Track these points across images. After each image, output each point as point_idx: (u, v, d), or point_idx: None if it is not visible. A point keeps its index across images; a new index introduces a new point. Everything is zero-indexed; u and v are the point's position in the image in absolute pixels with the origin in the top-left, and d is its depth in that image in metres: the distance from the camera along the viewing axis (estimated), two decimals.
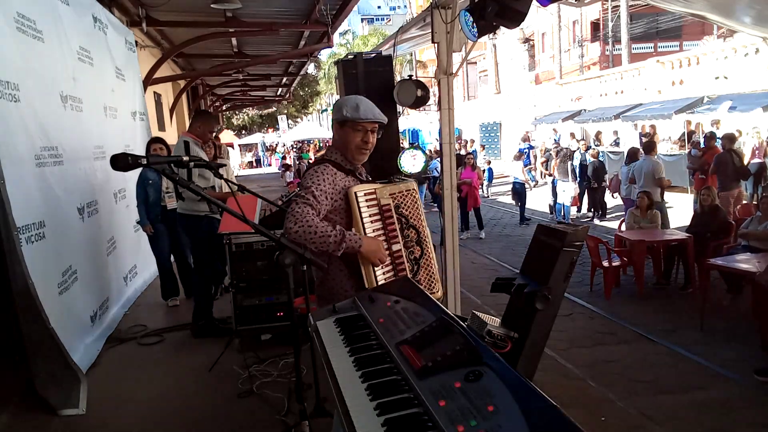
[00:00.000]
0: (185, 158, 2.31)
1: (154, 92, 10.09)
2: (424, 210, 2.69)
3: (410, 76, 4.79)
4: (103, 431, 3.50)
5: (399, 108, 4.78)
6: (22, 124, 3.71)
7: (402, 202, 2.50)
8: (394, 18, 51.92)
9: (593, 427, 3.37)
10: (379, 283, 2.30)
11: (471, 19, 3.63)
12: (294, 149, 31.08)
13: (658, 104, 15.47)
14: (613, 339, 4.99)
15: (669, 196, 7.96)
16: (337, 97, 5.94)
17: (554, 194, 11.50)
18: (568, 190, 10.78)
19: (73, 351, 3.83)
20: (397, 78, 4.83)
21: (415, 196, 2.58)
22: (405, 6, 43.72)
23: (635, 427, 3.46)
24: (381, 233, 2.40)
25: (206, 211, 4.71)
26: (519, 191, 11.60)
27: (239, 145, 35.36)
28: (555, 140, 16.72)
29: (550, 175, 11.69)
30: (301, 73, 16.13)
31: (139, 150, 6.67)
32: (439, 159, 5.10)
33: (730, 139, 8.80)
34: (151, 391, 3.98)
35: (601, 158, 11.91)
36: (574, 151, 11.79)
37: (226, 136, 28.73)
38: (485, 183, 15.50)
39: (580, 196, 11.40)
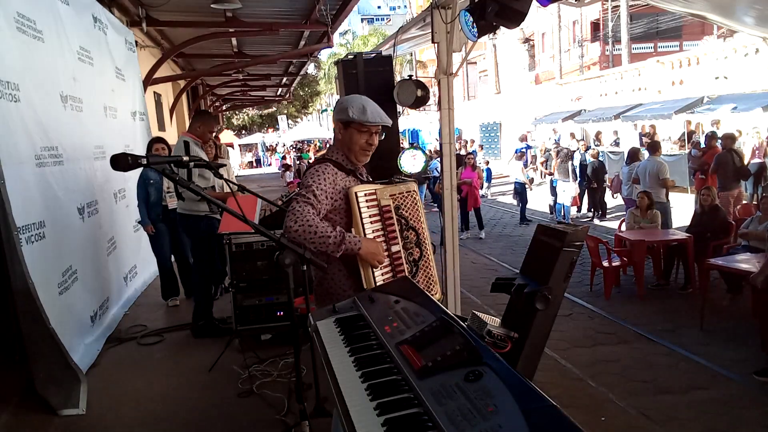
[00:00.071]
0: (185, 158, 2.31)
1: (154, 92, 10.09)
2: (424, 211, 2.68)
3: (410, 76, 4.79)
4: (103, 431, 3.50)
5: (399, 108, 4.78)
6: (22, 124, 3.71)
7: (402, 203, 2.50)
8: (394, 18, 51.91)
9: (593, 427, 3.37)
10: (378, 285, 2.30)
11: (471, 19, 3.63)
12: (294, 149, 31.07)
13: (658, 104, 15.47)
14: (613, 339, 4.99)
15: (670, 196, 7.93)
16: (337, 97, 5.94)
17: (554, 194, 11.51)
18: (568, 190, 10.78)
19: (73, 351, 3.83)
20: (397, 78, 4.83)
21: (415, 198, 2.58)
22: (405, 6, 43.72)
23: (635, 427, 3.46)
24: (380, 234, 2.40)
25: (206, 211, 4.72)
26: (519, 191, 11.61)
27: (239, 145, 35.36)
28: (555, 141, 16.72)
29: (550, 174, 11.69)
30: (301, 73, 16.13)
31: (139, 150, 6.67)
32: (439, 159, 5.10)
33: (730, 138, 8.79)
34: (151, 391, 3.99)
35: (601, 158, 11.92)
36: (574, 151, 11.79)
37: (226, 136, 28.75)
38: (484, 183, 15.50)
39: (580, 196, 11.40)
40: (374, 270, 2.32)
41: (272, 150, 37.23)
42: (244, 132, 42.14)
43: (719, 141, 9.28)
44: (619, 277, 6.58)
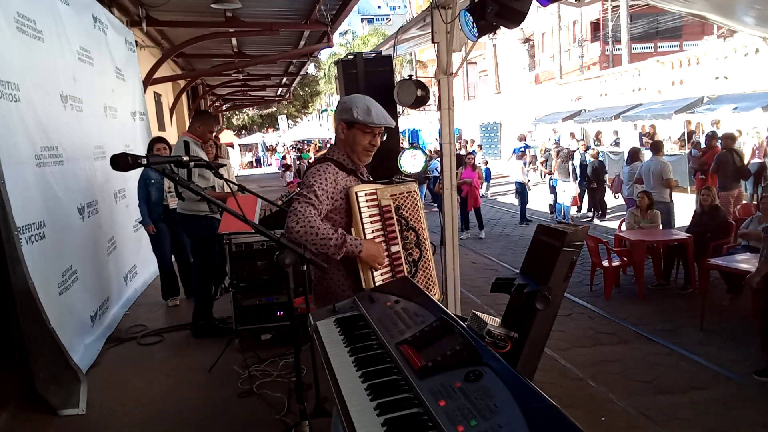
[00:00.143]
0: (185, 158, 2.31)
1: (154, 92, 10.09)
2: (424, 211, 2.68)
3: (410, 76, 4.79)
4: (103, 431, 3.50)
5: (399, 108, 4.78)
6: (22, 124, 3.71)
7: (402, 204, 2.49)
8: (394, 18, 51.92)
9: (593, 427, 3.37)
10: (377, 285, 2.29)
11: (471, 19, 3.63)
12: (294, 149, 31.07)
13: (658, 104, 15.47)
14: (613, 339, 4.99)
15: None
16: (337, 97, 5.93)
17: (554, 194, 11.51)
18: (568, 190, 10.78)
19: (73, 351, 3.83)
20: (397, 78, 4.83)
21: (415, 198, 2.58)
22: (405, 6, 43.72)
23: (635, 427, 3.46)
24: (380, 234, 2.39)
25: (206, 211, 4.72)
26: (520, 191, 11.63)
27: (239, 145, 35.36)
28: (555, 141, 16.73)
29: (550, 174, 11.69)
30: (301, 73, 16.13)
31: (139, 150, 6.67)
32: (439, 159, 5.10)
33: (730, 138, 8.79)
34: (151, 391, 3.99)
35: (601, 158, 11.92)
36: (574, 151, 11.79)
37: (226, 136, 28.76)
38: (483, 183, 15.51)
39: (580, 196, 11.40)
40: (373, 271, 2.32)
41: (272, 150, 37.22)
42: (244, 132, 42.14)
43: (719, 141, 9.28)
44: (619, 277, 6.58)
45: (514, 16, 3.32)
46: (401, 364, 1.41)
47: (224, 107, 25.40)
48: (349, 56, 4.68)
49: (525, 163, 12.72)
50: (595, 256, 6.36)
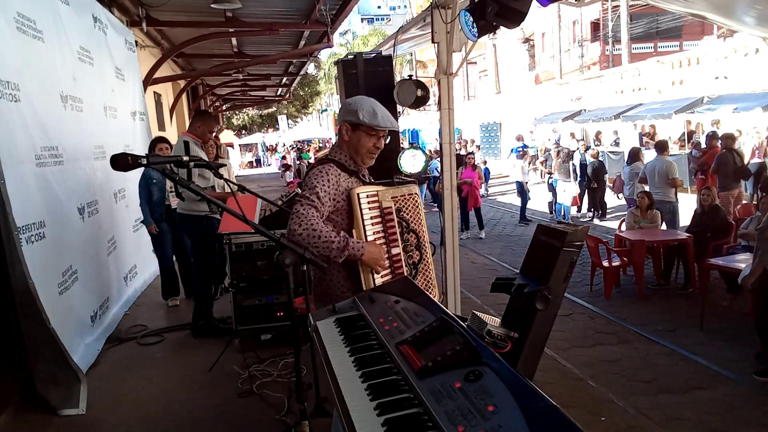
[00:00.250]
0: (185, 158, 2.31)
1: (154, 92, 10.09)
2: (424, 211, 2.68)
3: (410, 76, 4.79)
4: (103, 431, 3.51)
5: (399, 108, 4.78)
6: (22, 124, 3.71)
7: (403, 206, 2.49)
8: (394, 18, 51.92)
9: (593, 427, 3.37)
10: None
11: (471, 19, 3.63)
12: (294, 149, 31.08)
13: (658, 104, 15.47)
14: (613, 339, 4.99)
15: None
16: (337, 97, 5.93)
17: (553, 194, 11.52)
18: (568, 190, 10.78)
19: (73, 351, 3.83)
20: (397, 78, 4.83)
21: (416, 200, 2.57)
22: (405, 6, 43.72)
23: (635, 427, 3.46)
24: (381, 236, 2.40)
25: (206, 211, 4.72)
26: (521, 191, 11.65)
27: (239, 145, 35.36)
28: (556, 141, 16.72)
29: (550, 174, 11.69)
30: (301, 73, 16.14)
31: (139, 150, 6.67)
32: (439, 159, 5.10)
33: (730, 138, 8.79)
34: (151, 391, 3.99)
35: (601, 158, 11.92)
36: (574, 151, 11.79)
37: (226, 136, 28.75)
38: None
39: (580, 196, 11.41)
40: (374, 274, 2.32)
41: (272, 150, 37.21)
42: (244, 132, 42.14)
43: (719, 141, 9.28)
44: (619, 277, 6.58)
45: (514, 16, 3.32)
46: (401, 364, 1.41)
47: (224, 107, 25.40)
48: (349, 56, 4.68)
49: (527, 163, 12.71)
50: (595, 256, 6.36)
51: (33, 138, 3.86)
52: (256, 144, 38.92)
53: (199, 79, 15.42)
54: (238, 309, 4.48)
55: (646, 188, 7.76)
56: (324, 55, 32.55)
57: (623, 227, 7.29)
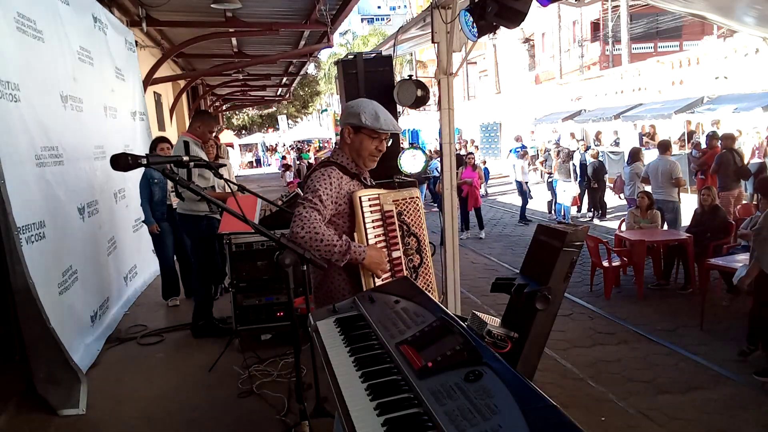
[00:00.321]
0: (185, 158, 2.31)
1: (154, 92, 10.09)
2: (424, 211, 2.68)
3: (410, 76, 4.79)
4: (103, 431, 3.51)
5: (399, 108, 4.78)
6: (22, 124, 3.71)
7: (404, 209, 2.49)
8: (394, 18, 51.92)
9: (593, 427, 3.37)
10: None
11: (471, 19, 3.63)
12: (294, 149, 31.09)
13: (658, 104, 15.47)
14: (613, 339, 4.99)
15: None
16: (337, 97, 5.92)
17: (553, 194, 11.52)
18: (568, 190, 10.79)
19: (73, 351, 3.83)
20: (397, 78, 4.83)
21: (417, 204, 2.57)
22: (405, 6, 43.72)
23: (635, 427, 3.46)
24: (382, 239, 2.40)
25: (206, 211, 4.72)
26: (520, 191, 11.66)
27: (239, 145, 35.36)
28: (556, 141, 16.73)
29: (550, 174, 11.70)
30: (301, 73, 16.14)
31: (139, 150, 6.67)
32: (439, 159, 5.10)
33: (730, 138, 8.79)
34: (151, 391, 3.99)
35: (600, 158, 11.92)
36: (574, 151, 11.80)
37: (226, 136, 28.74)
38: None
39: (580, 196, 11.41)
40: (375, 278, 2.32)
41: (272, 150, 37.22)
42: (244, 132, 42.14)
43: (719, 141, 9.28)
44: (619, 277, 6.58)
45: (514, 16, 3.32)
46: (401, 364, 1.41)
47: (224, 107, 25.41)
48: (349, 56, 4.69)
49: (528, 163, 12.73)
50: (595, 256, 6.36)
51: (33, 138, 3.86)
52: (256, 144, 38.92)
53: (199, 79, 15.42)
54: (238, 309, 4.48)
55: (647, 188, 7.75)
56: (324, 55, 32.60)
57: (623, 227, 7.29)
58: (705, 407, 3.70)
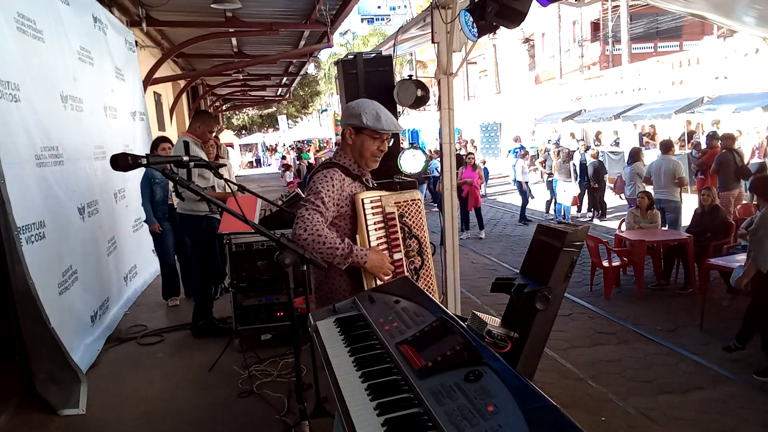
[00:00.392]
0: (185, 158, 2.31)
1: (154, 92, 10.09)
2: (425, 211, 2.68)
3: (410, 76, 4.79)
4: (103, 431, 3.51)
5: (399, 108, 4.78)
6: (23, 124, 3.71)
7: (406, 211, 2.50)
8: (394, 18, 51.92)
9: (593, 427, 3.37)
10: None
11: (471, 19, 3.63)
12: (294, 149, 31.08)
13: (658, 104, 15.46)
14: (613, 339, 4.99)
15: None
16: (337, 97, 5.92)
17: (552, 193, 11.52)
18: (568, 190, 10.79)
19: (73, 351, 3.83)
20: (397, 78, 4.83)
21: (419, 206, 2.57)
22: (405, 6, 43.71)
23: (635, 427, 3.46)
24: (384, 241, 2.40)
25: (206, 211, 4.72)
26: (521, 190, 11.67)
27: (239, 145, 35.36)
28: (555, 141, 16.72)
29: (550, 174, 11.70)
30: (301, 73, 16.14)
31: (139, 150, 6.67)
32: (439, 159, 5.10)
33: (730, 138, 8.79)
34: (151, 391, 3.99)
35: (600, 158, 11.92)
36: (574, 151, 11.80)
37: (226, 136, 28.74)
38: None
39: (580, 196, 11.41)
40: (377, 281, 2.32)
41: (272, 150, 37.22)
42: (244, 132, 42.14)
43: (719, 141, 9.28)
44: (619, 277, 6.58)
45: (514, 16, 3.32)
46: (401, 364, 1.41)
47: (224, 107, 25.41)
48: (349, 56, 4.68)
49: (528, 163, 12.74)
50: (595, 256, 6.36)
51: (33, 138, 3.86)
52: (256, 144, 38.92)
53: (199, 79, 15.42)
54: (238, 309, 4.48)
55: (649, 188, 7.75)
56: (324, 55, 32.60)
57: (623, 227, 7.29)
58: (705, 407, 3.70)
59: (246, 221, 2.23)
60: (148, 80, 8.43)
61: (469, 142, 20.82)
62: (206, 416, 3.55)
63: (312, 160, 20.34)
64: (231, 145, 27.20)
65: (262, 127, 41.59)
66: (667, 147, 8.00)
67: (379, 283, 2.32)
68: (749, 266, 4.26)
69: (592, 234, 7.17)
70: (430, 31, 4.42)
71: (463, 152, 14.05)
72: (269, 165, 35.31)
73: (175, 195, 4.88)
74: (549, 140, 18.14)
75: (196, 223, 4.74)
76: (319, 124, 39.76)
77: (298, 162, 20.87)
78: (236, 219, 2.25)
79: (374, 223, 2.36)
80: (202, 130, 4.83)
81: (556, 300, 2.12)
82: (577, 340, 4.96)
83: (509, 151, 14.67)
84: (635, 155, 9.26)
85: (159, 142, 5.61)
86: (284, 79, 17.17)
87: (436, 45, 4.43)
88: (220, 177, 3.04)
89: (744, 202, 8.69)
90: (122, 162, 2.00)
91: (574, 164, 10.99)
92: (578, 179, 11.00)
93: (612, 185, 12.21)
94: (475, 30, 3.64)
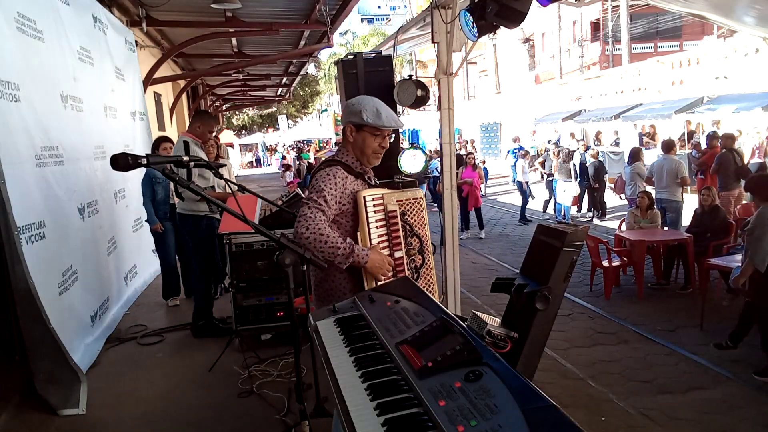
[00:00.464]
0: (185, 158, 2.31)
1: (154, 92, 10.09)
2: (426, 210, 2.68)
3: (410, 76, 4.79)
4: (103, 431, 3.50)
5: (399, 108, 4.78)
6: (23, 124, 3.71)
7: (408, 210, 2.50)
8: (394, 18, 51.93)
9: (593, 427, 3.37)
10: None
11: (471, 19, 3.63)
12: (294, 149, 31.08)
13: (658, 104, 15.46)
14: (613, 339, 4.99)
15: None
16: (338, 97, 5.92)
17: (552, 194, 11.52)
18: (568, 190, 10.78)
19: (73, 351, 3.83)
20: (397, 78, 4.83)
21: (421, 205, 2.57)
22: (405, 6, 43.71)
23: (635, 427, 3.46)
24: (385, 239, 2.40)
25: (206, 211, 4.72)
26: (521, 190, 11.67)
27: (239, 145, 35.36)
28: (555, 142, 16.72)
29: (550, 175, 11.70)
30: (301, 73, 16.14)
31: (139, 150, 6.67)
32: (439, 159, 5.10)
33: (730, 138, 8.79)
34: (151, 391, 3.99)
35: (600, 158, 11.93)
36: (574, 151, 11.80)
37: (226, 136, 28.75)
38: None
39: (580, 196, 11.41)
40: (377, 281, 2.32)
41: (272, 150, 37.22)
42: (244, 132, 42.14)
43: (720, 141, 9.27)
44: (619, 277, 6.58)
45: (514, 16, 3.32)
46: (401, 364, 1.41)
47: (224, 107, 25.40)
48: (349, 56, 4.68)
49: (529, 163, 12.74)
50: (595, 256, 6.36)
51: (33, 138, 3.86)
52: (256, 144, 38.92)
53: (199, 79, 15.42)
54: (238, 309, 4.48)
55: (650, 188, 7.74)
56: (324, 55, 32.61)
57: (623, 227, 7.29)
58: (705, 407, 3.70)
59: (246, 221, 2.23)
60: (148, 80, 8.43)
61: (469, 142, 20.79)
62: (206, 416, 3.55)
63: (312, 160, 20.34)
64: (231, 145, 27.21)
65: (262, 127, 41.59)
66: (669, 146, 7.99)
67: (379, 282, 2.33)
68: (746, 265, 4.26)
69: (592, 234, 7.17)
70: (430, 31, 4.42)
71: (463, 152, 14.05)
72: (269, 165, 35.31)
73: (175, 195, 4.88)
74: (549, 141, 18.14)
75: (196, 223, 4.74)
76: (319, 124, 39.77)
77: (298, 162, 20.88)
78: (236, 219, 2.25)
79: (376, 221, 2.36)
80: (202, 130, 4.83)
81: (556, 300, 2.12)
82: (577, 340, 4.96)
83: (508, 152, 14.66)
84: (635, 155, 9.26)
85: (160, 141, 5.61)
86: (284, 79, 17.17)
87: (436, 45, 4.43)
88: (220, 177, 3.04)
89: (744, 202, 8.68)
90: (122, 162, 2.00)
91: (574, 164, 10.98)
92: (578, 179, 10.99)
93: (612, 185, 12.21)
94: (475, 30, 3.64)
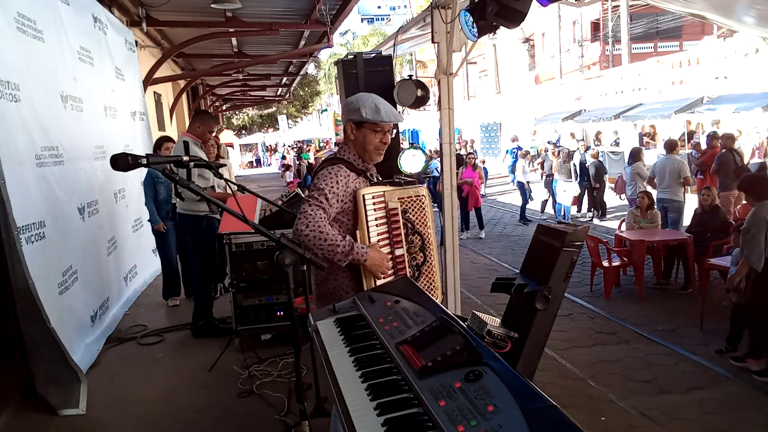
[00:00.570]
0: (185, 158, 2.31)
1: (154, 92, 10.09)
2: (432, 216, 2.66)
3: (410, 76, 4.79)
4: (103, 431, 3.50)
5: (399, 108, 4.78)
6: (23, 124, 3.71)
7: (410, 207, 2.48)
8: (394, 18, 51.95)
9: (593, 427, 3.37)
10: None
11: (471, 19, 3.63)
12: (294, 149, 31.08)
13: (658, 104, 15.47)
14: (613, 339, 4.99)
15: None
16: (338, 97, 5.92)
17: (551, 193, 11.52)
18: (568, 190, 10.78)
19: (73, 351, 3.83)
20: (397, 78, 4.83)
21: (423, 202, 2.55)
22: (405, 6, 43.71)
23: (635, 427, 3.46)
24: (385, 237, 2.39)
25: (206, 211, 4.72)
26: (521, 190, 11.68)
27: (239, 145, 35.36)
28: (554, 142, 16.72)
29: (550, 175, 11.71)
30: (301, 73, 16.14)
31: (139, 150, 6.67)
32: (439, 159, 5.10)
33: (730, 138, 8.79)
34: (151, 391, 3.99)
35: (600, 158, 11.93)
36: (574, 151, 11.80)
37: (226, 136, 28.74)
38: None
39: (580, 196, 11.41)
40: (377, 280, 2.32)
41: (272, 150, 37.22)
42: (244, 132, 42.14)
43: (720, 141, 9.27)
44: (619, 277, 6.58)
45: (514, 16, 3.32)
46: (401, 364, 1.41)
47: (224, 107, 25.41)
48: (349, 56, 4.68)
49: (529, 163, 12.74)
50: (595, 256, 6.36)
51: (33, 138, 3.86)
52: (256, 144, 38.93)
53: (199, 79, 15.42)
54: (238, 309, 4.48)
55: (651, 188, 7.74)
56: (324, 55, 32.61)
57: (623, 227, 7.29)
58: (705, 407, 3.70)
59: (246, 221, 2.23)
60: (148, 80, 8.43)
61: (469, 142, 20.79)
62: (206, 416, 3.55)
63: (312, 160, 20.34)
64: (231, 145, 27.19)
65: (262, 127, 41.60)
66: (671, 146, 7.99)
67: (379, 282, 2.32)
68: (741, 264, 4.27)
69: (592, 234, 7.17)
70: (430, 31, 4.42)
71: (463, 152, 14.06)
72: (269, 165, 35.31)
73: (175, 195, 4.88)
74: (548, 141, 18.15)
75: (196, 223, 4.74)
76: (319, 124, 39.77)
77: (298, 162, 20.88)
78: (236, 219, 2.25)
79: (375, 219, 2.36)
80: (202, 130, 4.83)
81: (556, 300, 2.12)
82: (577, 340, 4.96)
83: (507, 152, 14.66)
84: (636, 155, 9.26)
85: (162, 141, 5.62)
86: (284, 79, 17.17)
87: (436, 45, 4.43)
88: (220, 177, 3.04)
89: (744, 202, 8.69)
90: (122, 162, 2.00)
91: (574, 164, 10.98)
92: (578, 179, 10.99)
93: (612, 185, 12.20)
94: (475, 30, 3.64)
